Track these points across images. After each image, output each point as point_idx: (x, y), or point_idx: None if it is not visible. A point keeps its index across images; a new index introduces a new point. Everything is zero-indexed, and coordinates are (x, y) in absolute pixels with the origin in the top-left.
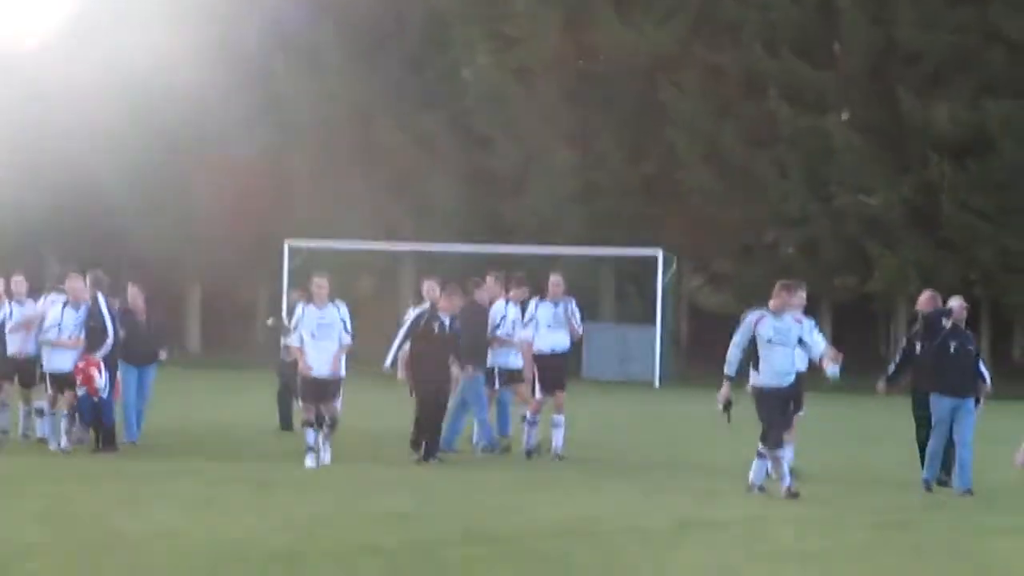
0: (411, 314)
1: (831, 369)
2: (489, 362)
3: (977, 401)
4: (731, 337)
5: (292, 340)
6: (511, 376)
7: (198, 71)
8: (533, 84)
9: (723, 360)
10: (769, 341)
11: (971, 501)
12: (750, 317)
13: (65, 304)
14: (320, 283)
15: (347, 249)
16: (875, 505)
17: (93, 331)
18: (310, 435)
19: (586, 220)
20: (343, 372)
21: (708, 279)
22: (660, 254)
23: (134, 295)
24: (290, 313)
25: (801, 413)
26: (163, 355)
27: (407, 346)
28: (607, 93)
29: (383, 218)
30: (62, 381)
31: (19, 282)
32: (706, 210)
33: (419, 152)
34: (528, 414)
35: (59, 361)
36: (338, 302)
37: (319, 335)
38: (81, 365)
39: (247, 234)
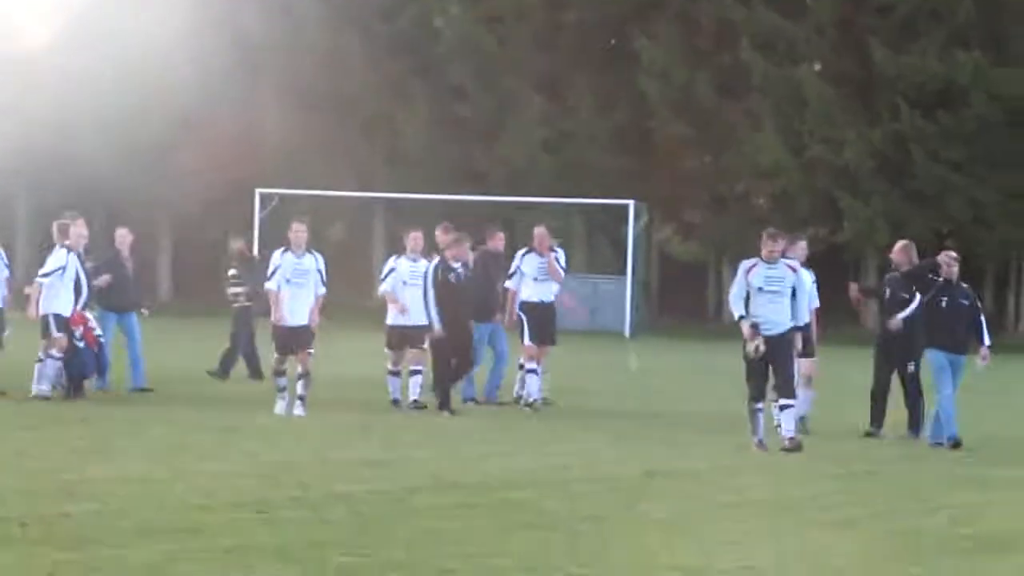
0: (394, 264)
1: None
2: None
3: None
4: (701, 287)
5: (270, 286)
6: None
7: (168, 18)
8: (505, 33)
9: (693, 310)
10: (760, 289)
11: (945, 453)
12: (743, 265)
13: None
14: (298, 228)
15: (318, 196)
16: (847, 455)
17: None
18: (280, 380)
19: (557, 170)
20: (315, 322)
21: (679, 229)
22: (632, 204)
23: (123, 236)
24: (243, 264)
25: (813, 359)
26: (145, 312)
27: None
28: (579, 42)
29: (354, 166)
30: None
31: None
32: (678, 160)
33: (391, 100)
34: (525, 364)
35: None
36: (315, 252)
37: (295, 281)
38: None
39: (218, 181)
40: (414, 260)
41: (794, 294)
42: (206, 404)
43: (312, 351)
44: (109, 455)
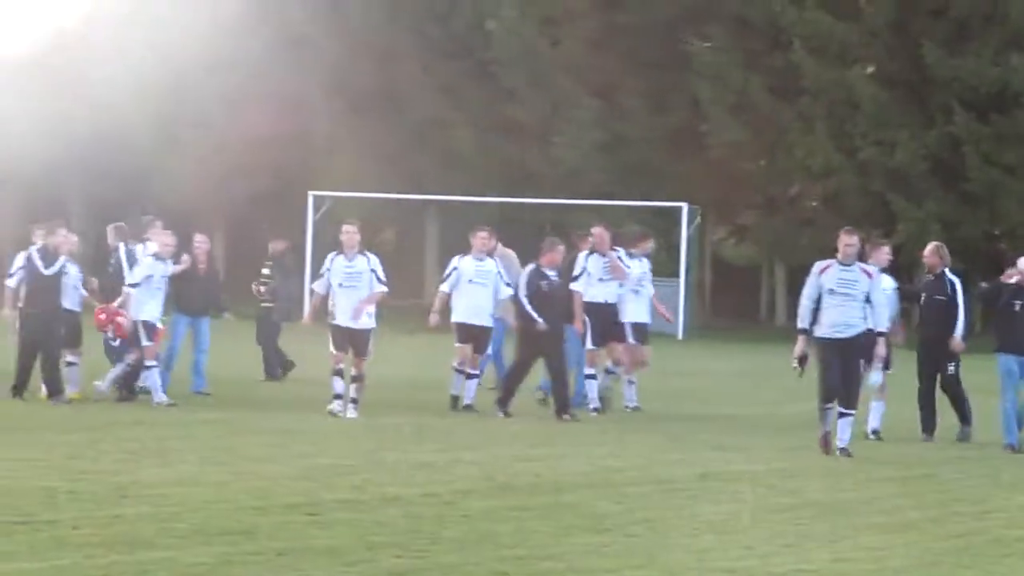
0: (458, 263)
1: (872, 376)
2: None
3: None
4: (754, 290)
5: (319, 287)
6: (643, 333)
7: (219, 18)
8: (558, 35)
9: (745, 312)
10: (831, 291)
11: (1003, 457)
12: (816, 266)
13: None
14: (349, 230)
15: (371, 198)
16: (903, 457)
17: (112, 281)
18: (336, 383)
19: (610, 172)
20: (373, 323)
21: (732, 231)
22: (685, 206)
23: (200, 242)
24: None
25: (890, 371)
26: (228, 316)
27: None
28: (632, 44)
29: (407, 168)
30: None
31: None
32: (731, 163)
33: (444, 102)
34: (586, 368)
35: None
36: (368, 253)
37: (347, 284)
38: (103, 317)
39: (270, 183)
40: (480, 259)
41: (868, 299)
42: (258, 406)
43: (367, 356)
44: (163, 457)
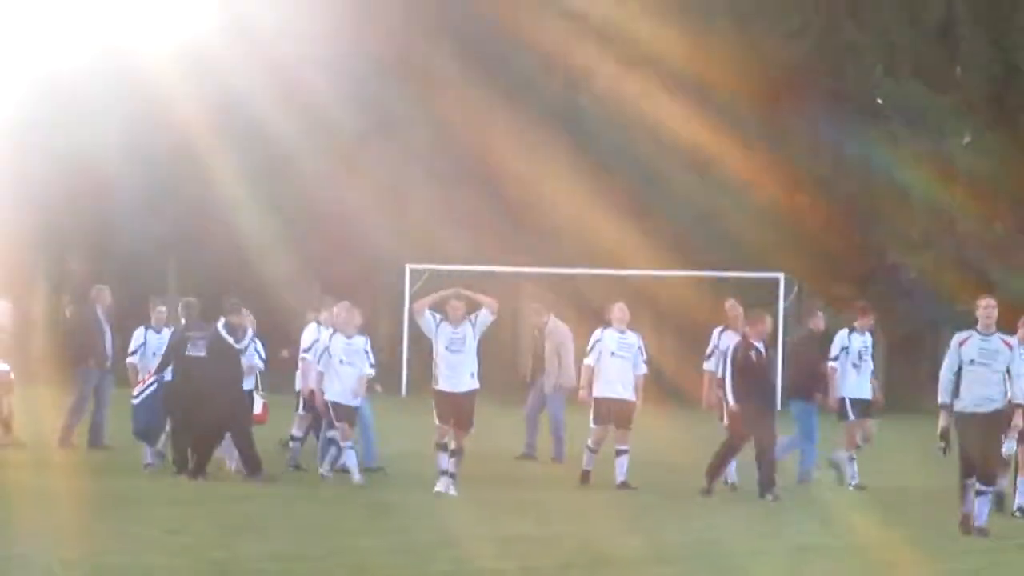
0: (600, 335)
1: (1006, 446)
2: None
3: None
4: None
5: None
6: (864, 407)
7: (312, 91)
8: (654, 107)
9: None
10: (971, 362)
11: None
12: (956, 338)
13: (333, 332)
14: (456, 305)
15: (467, 271)
16: (997, 529)
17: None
18: (442, 459)
19: (706, 244)
20: (477, 384)
21: (829, 302)
22: (782, 277)
23: (349, 312)
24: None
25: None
26: (378, 388)
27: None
28: (727, 116)
29: (502, 240)
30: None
31: (162, 312)
32: (826, 233)
33: (538, 174)
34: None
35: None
36: (472, 319)
37: (452, 349)
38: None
39: (366, 256)
40: (621, 332)
41: (1008, 371)
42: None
43: (470, 428)
44: (261, 532)
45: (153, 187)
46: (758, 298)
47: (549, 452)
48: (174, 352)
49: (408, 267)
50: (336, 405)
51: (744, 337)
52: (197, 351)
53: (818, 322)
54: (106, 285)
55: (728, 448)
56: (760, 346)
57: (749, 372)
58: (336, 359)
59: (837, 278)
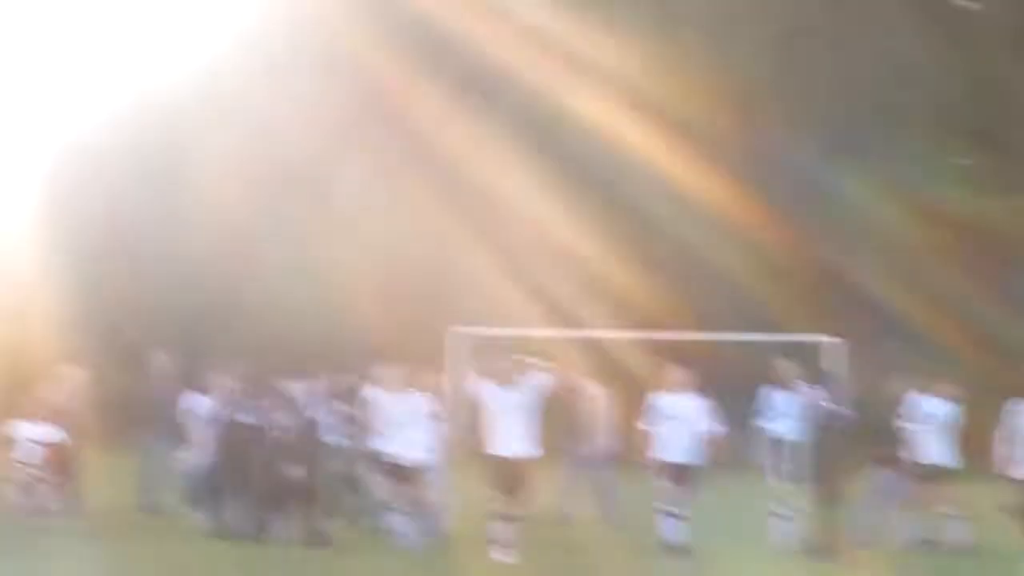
0: (654, 399)
1: None
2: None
3: None
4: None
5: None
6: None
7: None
8: (700, 172)
9: (892, 442)
10: None
11: None
12: (1010, 407)
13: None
14: (505, 367)
15: (516, 335)
16: None
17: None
18: (499, 528)
19: (752, 306)
20: (535, 450)
21: (877, 365)
22: (826, 340)
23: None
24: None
25: None
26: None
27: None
28: (773, 178)
29: (550, 303)
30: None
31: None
32: (873, 294)
33: (586, 237)
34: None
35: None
36: (529, 374)
37: (507, 413)
38: None
39: (410, 320)
40: (675, 395)
41: None
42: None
43: (525, 492)
44: None
45: (199, 254)
46: (805, 359)
47: (596, 514)
48: (227, 418)
49: (452, 330)
50: (398, 465)
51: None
52: (249, 418)
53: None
54: (163, 351)
55: None
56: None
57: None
58: (394, 418)
59: (884, 340)
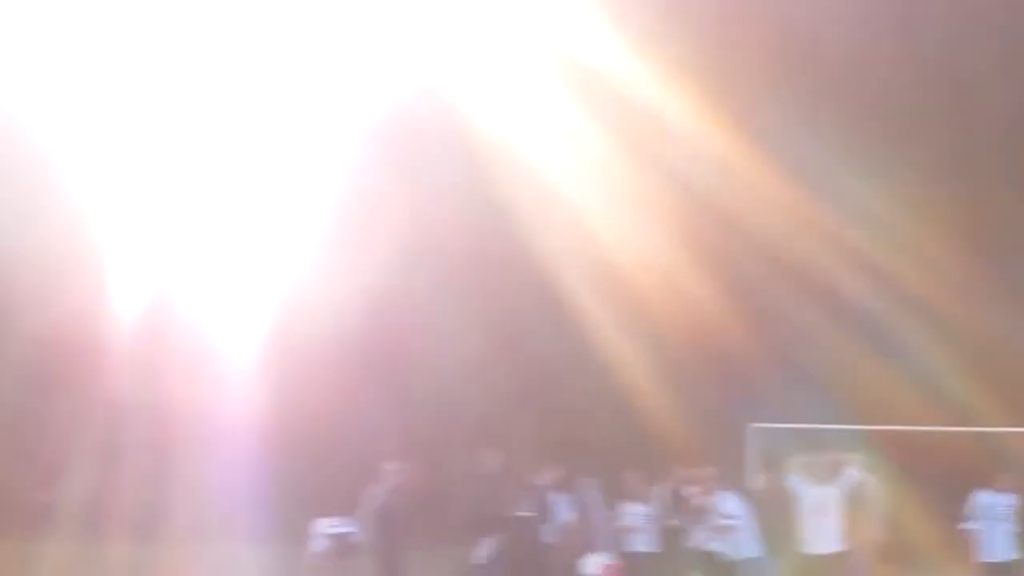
0: (979, 497)
1: None
2: None
3: None
4: None
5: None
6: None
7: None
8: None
9: None
10: None
11: None
12: None
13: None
14: (815, 463)
15: (815, 428)
16: None
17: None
18: None
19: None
20: (840, 546)
21: None
22: None
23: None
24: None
25: None
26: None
27: None
28: (1001, 270)
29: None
30: None
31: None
32: None
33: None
34: None
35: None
36: (842, 480)
37: (817, 511)
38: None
39: (706, 415)
40: (1000, 494)
41: None
42: None
43: None
44: None
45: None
46: None
47: None
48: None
49: (752, 425)
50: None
51: None
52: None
53: None
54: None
55: None
56: None
57: None
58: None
59: None
